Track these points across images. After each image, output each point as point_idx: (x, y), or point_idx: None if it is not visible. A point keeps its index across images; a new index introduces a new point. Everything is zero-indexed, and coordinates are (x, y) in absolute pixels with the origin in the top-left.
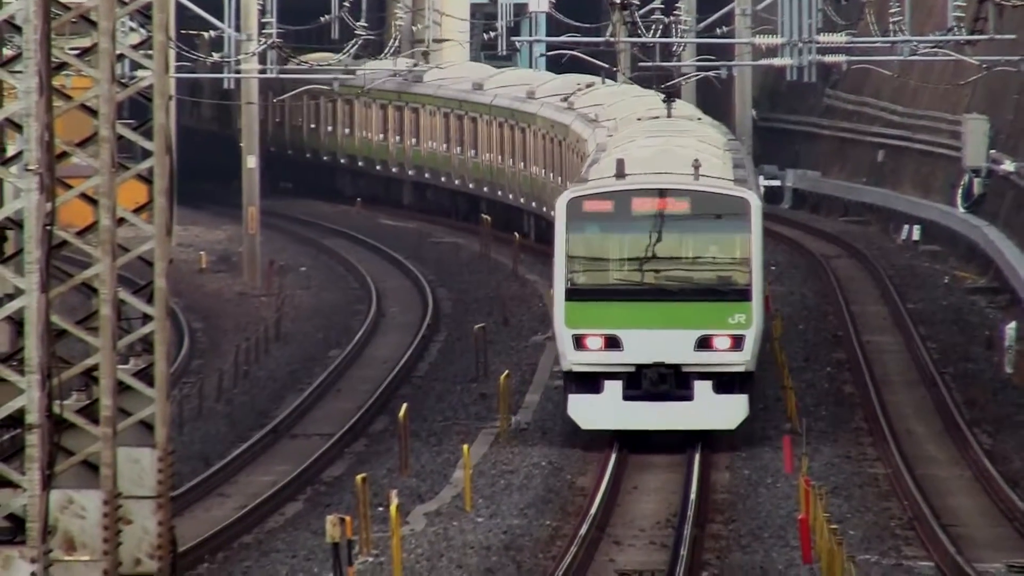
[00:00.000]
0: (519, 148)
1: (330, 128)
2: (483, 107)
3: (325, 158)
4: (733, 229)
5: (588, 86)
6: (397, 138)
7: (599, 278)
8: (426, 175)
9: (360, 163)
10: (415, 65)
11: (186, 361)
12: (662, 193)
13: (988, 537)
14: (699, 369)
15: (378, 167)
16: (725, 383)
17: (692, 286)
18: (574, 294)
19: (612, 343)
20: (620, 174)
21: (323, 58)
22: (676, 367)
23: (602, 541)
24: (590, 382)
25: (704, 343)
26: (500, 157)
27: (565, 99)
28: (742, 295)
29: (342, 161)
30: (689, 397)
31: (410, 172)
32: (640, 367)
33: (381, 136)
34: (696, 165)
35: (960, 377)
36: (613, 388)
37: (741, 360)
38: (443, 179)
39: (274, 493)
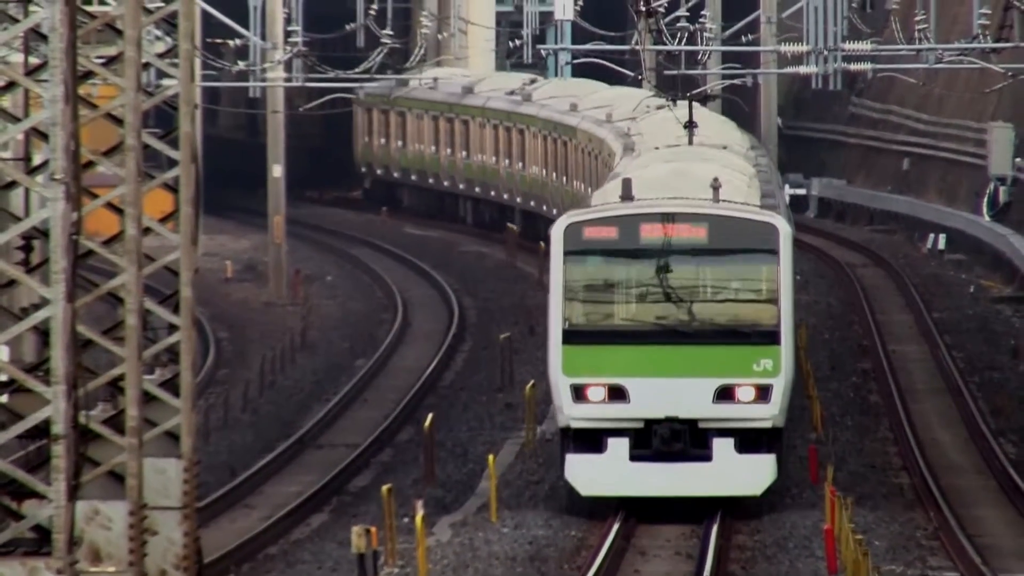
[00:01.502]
0: (595, 176)
1: (449, 151)
2: (571, 130)
3: (446, 183)
4: (759, 260)
5: (658, 108)
6: (507, 162)
7: (602, 318)
8: (531, 203)
9: (477, 188)
10: (532, 81)
11: (212, 371)
12: (675, 218)
13: (1014, 547)
14: (719, 424)
15: (492, 192)
16: (749, 441)
17: (711, 327)
18: (572, 336)
19: (617, 394)
20: (626, 196)
21: (450, 73)
22: (692, 422)
23: (628, 551)
24: (591, 440)
25: (725, 394)
26: (582, 185)
27: (629, 123)
28: (769, 338)
29: (461, 187)
30: (707, 457)
31: (518, 199)
32: (650, 422)
33: (494, 159)
34: (716, 187)
35: (985, 386)
36: (618, 447)
37: (768, 414)
38: (544, 207)
39: (300, 504)
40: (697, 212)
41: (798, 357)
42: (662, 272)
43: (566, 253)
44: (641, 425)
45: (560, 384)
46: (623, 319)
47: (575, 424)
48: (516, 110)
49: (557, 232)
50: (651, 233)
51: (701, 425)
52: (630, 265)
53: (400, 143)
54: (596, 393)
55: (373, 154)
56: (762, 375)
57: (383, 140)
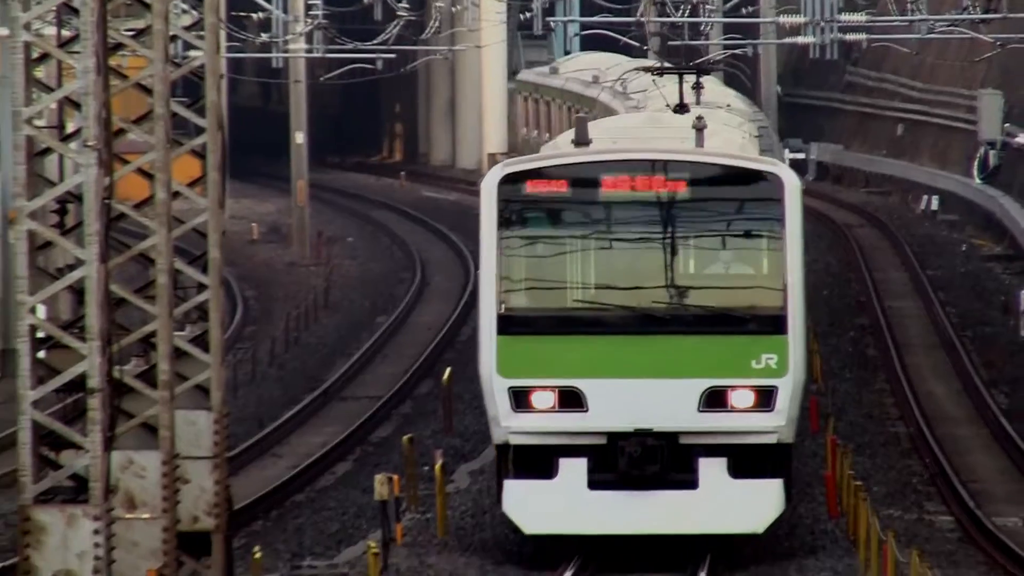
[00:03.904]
0: None
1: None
2: None
3: None
4: (758, 222)
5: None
6: None
7: (549, 300)
8: None
9: None
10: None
11: (239, 328)
12: (647, 167)
13: (1005, 493)
14: (707, 440)
15: None
16: (747, 462)
17: (695, 312)
18: (511, 324)
19: (571, 400)
20: (581, 141)
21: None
22: (671, 437)
23: None
24: (538, 461)
25: (714, 400)
26: None
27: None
28: (772, 325)
29: None
30: (691, 483)
31: None
32: (615, 437)
33: None
34: (700, 127)
35: (978, 340)
36: (573, 470)
37: (772, 425)
38: None
39: (325, 453)
40: (677, 159)
41: (810, 348)
42: (630, 239)
43: (501, 214)
44: (603, 441)
45: (495, 388)
46: (578, 302)
47: (516, 440)
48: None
49: (489, 186)
50: (615, 187)
51: (683, 441)
52: (587, 230)
53: (548, 137)
54: (543, 399)
55: (531, 150)
56: (764, 374)
57: (535, 133)
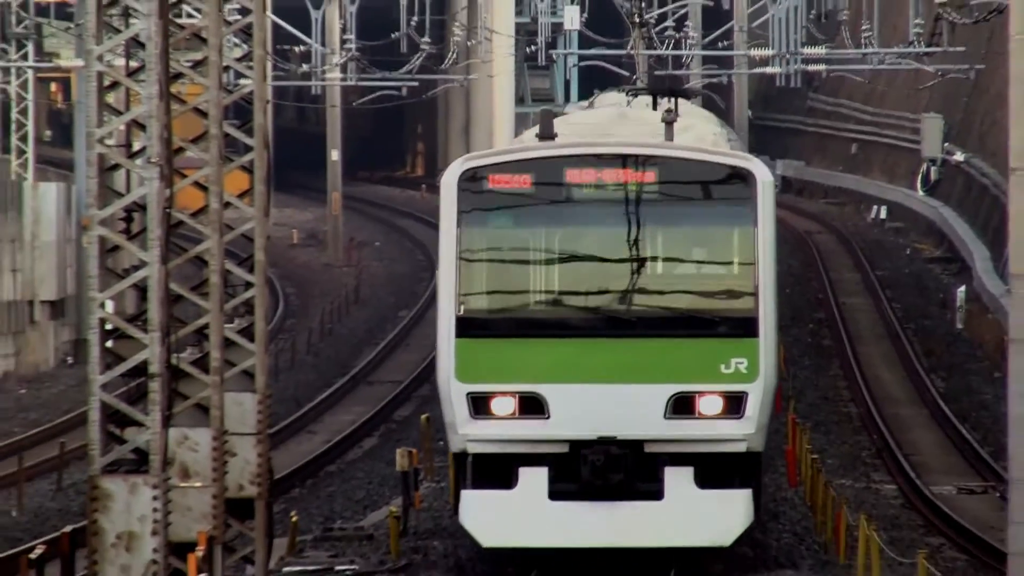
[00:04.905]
0: None
1: None
2: None
3: None
4: (729, 219)
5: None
6: None
7: (510, 302)
8: None
9: None
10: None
11: (281, 321)
12: (614, 161)
13: (942, 465)
14: (673, 448)
15: None
16: (715, 471)
17: (662, 314)
18: (470, 327)
19: (532, 407)
20: (546, 135)
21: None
22: (635, 445)
23: None
24: (497, 470)
25: (681, 406)
26: None
27: None
28: (743, 328)
29: None
30: (657, 494)
31: None
32: (577, 446)
33: None
34: (669, 120)
35: (919, 332)
36: (533, 480)
37: (741, 433)
38: None
39: (354, 430)
40: (644, 153)
41: (780, 352)
42: (595, 237)
43: (461, 211)
44: (565, 449)
45: (452, 393)
46: (540, 303)
47: (474, 448)
48: None
49: (449, 181)
50: (580, 182)
51: (648, 449)
52: (550, 228)
53: None
54: (503, 406)
55: None
56: (733, 379)
57: None
